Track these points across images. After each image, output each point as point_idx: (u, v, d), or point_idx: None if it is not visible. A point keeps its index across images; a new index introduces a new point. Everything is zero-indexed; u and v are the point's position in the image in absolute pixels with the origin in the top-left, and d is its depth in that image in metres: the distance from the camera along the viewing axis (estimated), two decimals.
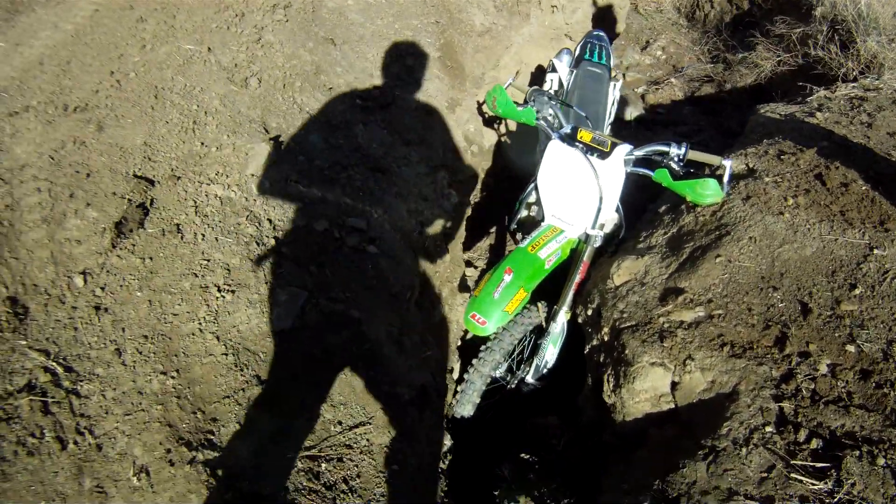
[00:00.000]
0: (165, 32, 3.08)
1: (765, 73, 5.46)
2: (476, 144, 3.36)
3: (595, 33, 4.11)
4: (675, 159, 2.14)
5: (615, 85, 3.82)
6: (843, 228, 2.42)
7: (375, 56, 3.26)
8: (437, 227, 2.75)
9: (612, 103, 3.79)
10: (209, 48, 2.99)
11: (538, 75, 4.49)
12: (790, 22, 5.47)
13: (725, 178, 2.09)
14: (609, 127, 3.75)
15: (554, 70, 3.80)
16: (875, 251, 2.29)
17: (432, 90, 3.22)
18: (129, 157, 2.45)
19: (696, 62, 6.18)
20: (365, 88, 3.06)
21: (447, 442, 2.18)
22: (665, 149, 2.16)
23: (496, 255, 3.57)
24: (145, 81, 2.80)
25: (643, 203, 3.40)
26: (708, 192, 2.03)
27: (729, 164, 2.11)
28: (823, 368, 1.92)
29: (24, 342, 1.83)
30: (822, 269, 2.26)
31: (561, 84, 3.75)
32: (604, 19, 5.43)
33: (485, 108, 3.61)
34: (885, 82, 4.04)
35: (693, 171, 2.14)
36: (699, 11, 7.01)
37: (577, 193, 2.27)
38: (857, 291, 2.15)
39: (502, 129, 3.90)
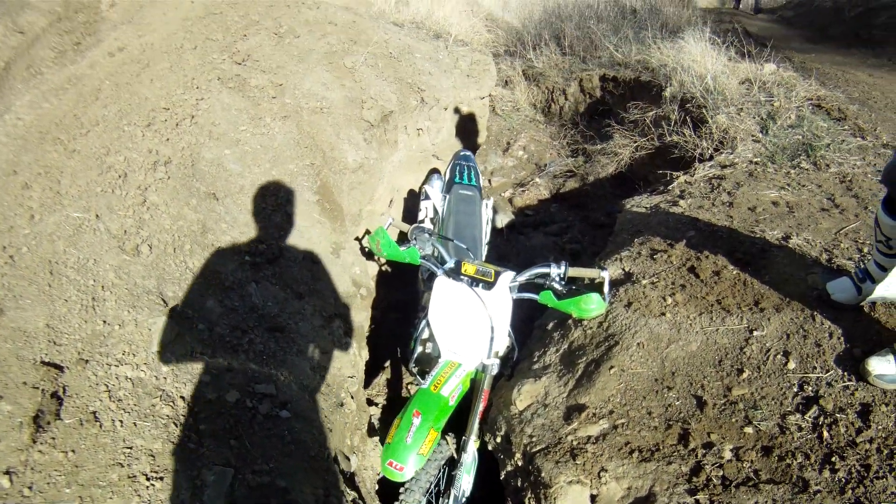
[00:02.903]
0: (52, 200, 3.40)
1: (624, 161, 6.33)
2: (364, 287, 3.87)
3: (462, 154, 4.76)
4: (557, 279, 2.61)
5: (487, 204, 4.45)
6: (721, 317, 3.00)
7: (257, 207, 3.72)
8: (340, 378, 3.22)
9: (487, 223, 4.39)
10: (97, 215, 3.34)
11: (410, 200, 5.12)
12: (643, 106, 6.41)
13: (605, 289, 2.56)
14: (486, 246, 4.35)
15: (427, 197, 4.37)
16: (755, 333, 2.87)
17: (315, 237, 3.73)
18: (34, 341, 2.74)
19: (557, 158, 7.06)
20: (251, 243, 3.51)
21: None
22: (546, 270, 2.63)
23: (394, 391, 4.03)
24: (38, 256, 3.10)
25: (532, 319, 3.95)
26: (592, 307, 2.49)
27: (607, 276, 2.60)
28: (728, 454, 2.37)
29: None
30: (709, 361, 2.80)
31: (436, 211, 4.31)
32: (466, 131, 6.19)
33: (365, 243, 4.13)
34: (739, 155, 4.86)
35: (574, 287, 2.64)
36: (554, 105, 8.01)
37: (469, 326, 2.63)
38: (744, 375, 2.68)
39: (381, 259, 4.44)
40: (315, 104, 4.51)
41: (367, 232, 4.44)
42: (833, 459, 2.28)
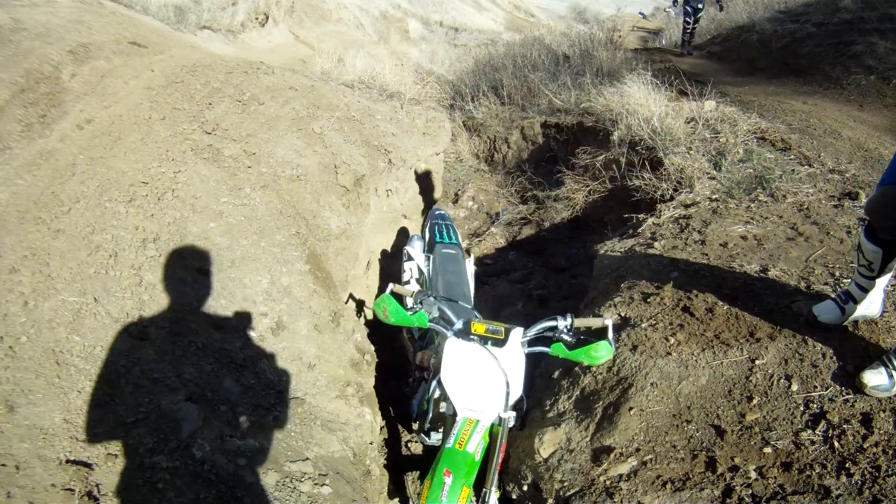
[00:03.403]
0: (44, 284, 3.32)
1: (578, 205, 6.57)
2: (368, 353, 3.93)
3: (438, 213, 4.89)
4: (565, 331, 2.75)
5: (469, 261, 4.58)
6: (723, 351, 3.24)
7: (252, 280, 3.75)
8: (363, 445, 3.27)
9: (471, 279, 4.51)
10: (95, 298, 3.30)
11: (384, 261, 5.22)
12: (591, 151, 6.68)
13: (610, 336, 2.69)
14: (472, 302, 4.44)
15: (410, 258, 4.46)
16: (756, 362, 3.12)
17: (315, 306, 3.79)
18: (54, 439, 2.69)
19: (508, 206, 7.28)
20: (253, 318, 3.54)
21: None
22: (553, 323, 2.76)
23: (393, 450, 4.05)
24: (40, 346, 3.03)
25: (532, 369, 4.08)
26: (601, 354, 2.63)
27: (610, 323, 2.74)
28: (753, 474, 2.59)
29: None
30: (720, 392, 3.03)
31: (420, 271, 4.41)
32: (424, 188, 6.37)
33: (349, 304, 4.19)
34: (698, 194, 5.17)
35: (582, 337, 2.76)
36: (497, 154, 8.26)
37: (485, 384, 2.69)
38: (754, 401, 2.91)
39: (361, 319, 4.51)
40: (291, 172, 4.59)
41: (352, 297, 4.51)
42: (847, 465, 2.54)
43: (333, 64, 7.53)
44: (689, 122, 6.28)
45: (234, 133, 4.75)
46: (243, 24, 9.44)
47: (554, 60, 9.93)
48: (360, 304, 4.70)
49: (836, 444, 2.64)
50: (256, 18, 10.12)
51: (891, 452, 2.54)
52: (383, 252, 5.37)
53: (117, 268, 3.50)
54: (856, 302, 3.12)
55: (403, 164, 5.50)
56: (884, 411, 2.74)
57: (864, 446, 2.60)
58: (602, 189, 6.42)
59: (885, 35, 9.32)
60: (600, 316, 2.98)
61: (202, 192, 4.12)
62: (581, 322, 2.83)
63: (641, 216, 5.25)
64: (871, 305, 3.14)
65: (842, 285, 3.60)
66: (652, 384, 3.17)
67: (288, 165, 4.64)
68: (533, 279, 6.02)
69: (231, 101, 5.11)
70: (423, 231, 4.81)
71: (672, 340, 3.41)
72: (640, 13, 26.91)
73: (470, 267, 4.53)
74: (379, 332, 4.74)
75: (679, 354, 3.30)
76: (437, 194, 6.88)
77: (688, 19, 13.90)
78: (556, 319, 2.79)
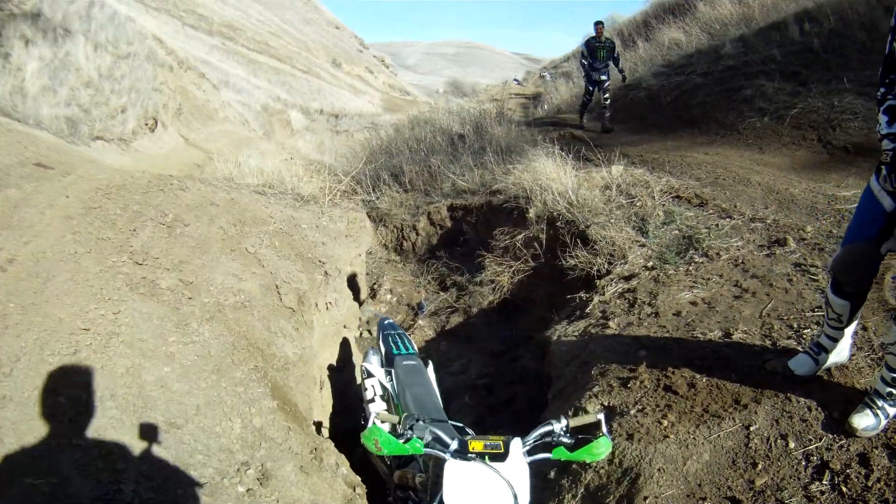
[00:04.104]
0: (5, 466, 2.98)
1: (505, 287, 6.66)
2: (357, 486, 3.83)
3: (387, 322, 4.84)
4: (562, 433, 2.75)
5: (430, 369, 4.53)
6: (717, 423, 3.38)
7: (224, 428, 3.58)
8: None
9: (436, 386, 4.41)
10: (66, 477, 3.03)
11: (334, 376, 5.13)
12: (509, 230, 6.80)
13: (605, 429, 2.73)
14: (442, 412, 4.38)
15: (369, 375, 4.35)
16: (750, 428, 3.28)
17: (295, 446, 3.67)
18: None
19: (429, 295, 7.33)
20: (233, 469, 3.37)
21: None
22: (549, 428, 2.76)
23: None
24: None
25: None
26: (602, 450, 2.64)
27: (603, 417, 2.78)
28: None
29: None
30: (725, 464, 3.15)
31: (383, 388, 4.31)
32: (354, 292, 6.34)
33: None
34: (634, 264, 5.29)
35: (580, 436, 2.76)
36: (406, 242, 8.31)
37: (492, 501, 2.58)
38: (759, 466, 3.07)
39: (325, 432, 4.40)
40: (235, 299, 4.46)
41: (313, 423, 4.39)
42: None
43: (233, 167, 7.42)
44: (603, 191, 6.55)
45: (166, 261, 4.56)
46: (134, 132, 9.11)
47: (449, 141, 10.17)
48: (318, 427, 4.57)
49: (844, 488, 2.85)
50: (146, 124, 9.82)
51: (893, 485, 2.79)
52: (331, 367, 5.27)
53: (81, 436, 3.25)
54: (827, 352, 3.42)
55: (339, 274, 5.48)
56: (877, 448, 3.00)
57: (869, 484, 2.83)
58: (526, 268, 6.57)
59: (770, 76, 9.98)
60: (586, 411, 3.06)
61: (147, 332, 3.92)
62: (576, 421, 2.89)
63: (585, 295, 5.37)
64: (841, 353, 3.46)
65: (804, 336, 3.92)
66: (658, 470, 3.29)
67: (229, 292, 4.51)
68: (472, 368, 6.03)
69: (155, 225, 4.92)
70: (378, 344, 4.75)
71: (665, 422, 3.54)
72: (515, 80, 27.97)
73: (432, 375, 4.51)
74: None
75: (676, 435, 3.44)
76: (364, 296, 6.86)
77: (587, 97, 13.30)
78: (551, 424, 2.83)
